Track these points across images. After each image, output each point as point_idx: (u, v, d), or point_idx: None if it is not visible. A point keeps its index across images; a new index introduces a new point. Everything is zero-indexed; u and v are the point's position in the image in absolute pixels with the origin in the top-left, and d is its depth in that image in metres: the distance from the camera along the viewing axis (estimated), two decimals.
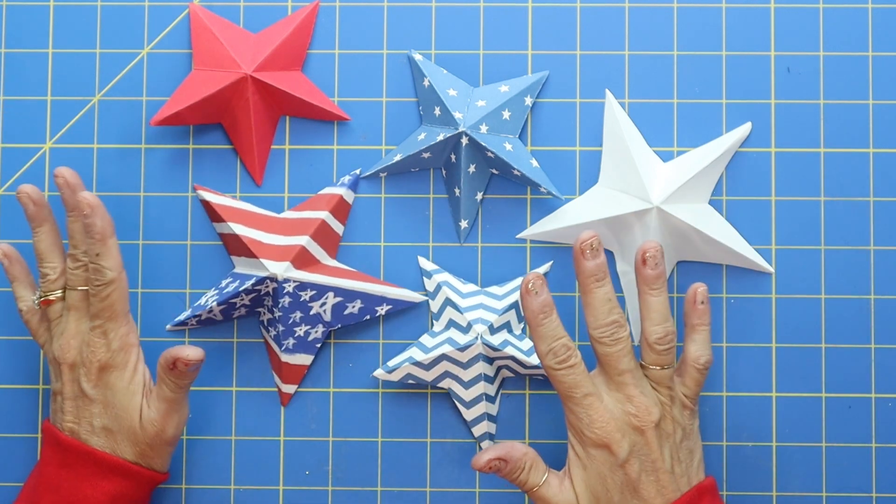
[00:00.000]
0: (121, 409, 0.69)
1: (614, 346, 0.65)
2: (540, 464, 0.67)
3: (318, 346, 0.76)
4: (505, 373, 0.76)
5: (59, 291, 0.71)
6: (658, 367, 0.66)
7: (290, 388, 0.77)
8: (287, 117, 0.78)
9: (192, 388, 0.78)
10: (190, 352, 0.67)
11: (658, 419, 0.65)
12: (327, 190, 0.77)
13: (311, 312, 0.75)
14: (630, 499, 0.65)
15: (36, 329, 0.72)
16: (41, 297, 0.71)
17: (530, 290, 0.65)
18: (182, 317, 0.76)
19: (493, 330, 0.74)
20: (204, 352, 0.68)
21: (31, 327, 0.72)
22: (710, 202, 0.77)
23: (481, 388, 0.75)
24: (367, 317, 0.76)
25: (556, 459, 0.76)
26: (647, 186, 0.74)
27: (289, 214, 0.76)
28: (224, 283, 0.76)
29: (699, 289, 0.69)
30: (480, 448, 0.76)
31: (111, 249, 0.69)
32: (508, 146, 0.75)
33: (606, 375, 0.66)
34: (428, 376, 0.75)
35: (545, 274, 0.77)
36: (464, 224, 0.77)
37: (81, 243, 0.70)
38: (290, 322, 0.74)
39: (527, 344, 0.75)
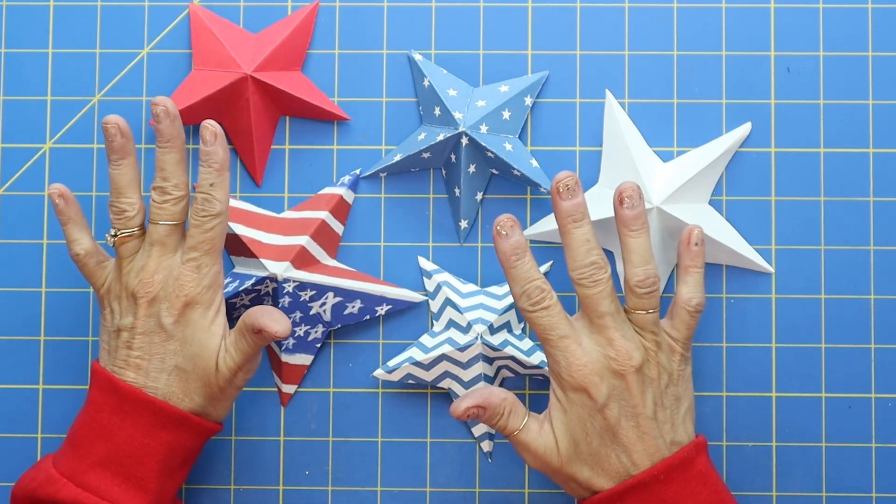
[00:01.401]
0: (199, 348, 0.66)
1: (594, 287, 0.64)
2: (519, 408, 0.66)
3: (318, 346, 0.76)
4: (505, 373, 0.76)
5: (137, 228, 0.68)
6: (642, 312, 0.65)
7: (290, 388, 0.77)
8: (287, 117, 0.78)
9: None
10: (278, 328, 0.65)
11: (640, 363, 0.64)
12: (327, 190, 0.77)
13: (311, 312, 0.75)
14: (610, 443, 0.64)
15: (93, 271, 0.69)
16: (118, 234, 0.68)
17: (500, 232, 0.64)
18: None
19: (493, 330, 0.74)
20: (290, 327, 0.66)
21: (87, 270, 0.69)
22: (710, 202, 0.77)
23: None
24: (367, 317, 0.76)
25: None
26: (647, 186, 0.74)
27: (289, 214, 0.76)
28: (224, 282, 0.76)
29: (694, 230, 0.68)
30: (480, 448, 0.76)
31: (226, 181, 0.67)
32: (508, 146, 0.75)
33: (587, 318, 0.65)
34: (428, 376, 0.75)
35: (545, 274, 0.76)
36: (464, 224, 0.77)
37: (175, 176, 0.67)
38: (290, 322, 0.74)
39: (527, 344, 0.75)
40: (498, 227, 0.64)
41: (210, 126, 0.67)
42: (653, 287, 0.65)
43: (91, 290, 0.77)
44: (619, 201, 0.65)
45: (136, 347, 0.67)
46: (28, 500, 0.65)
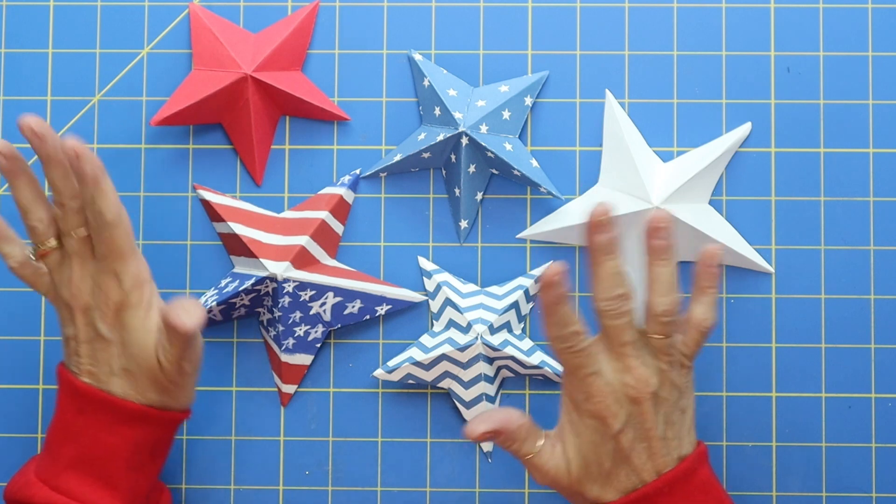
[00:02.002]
0: (138, 348, 0.66)
1: (618, 319, 0.64)
2: (534, 431, 0.66)
3: (318, 346, 0.76)
4: (505, 373, 0.76)
5: (53, 241, 0.68)
6: (661, 337, 0.65)
7: (290, 388, 0.77)
8: (287, 117, 0.78)
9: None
10: (187, 321, 0.63)
11: (656, 389, 0.64)
12: (327, 190, 0.77)
13: (311, 312, 0.75)
14: (621, 464, 0.64)
15: (34, 280, 0.69)
16: (37, 250, 0.68)
17: (551, 283, 0.64)
18: None
19: (493, 330, 0.74)
20: (201, 317, 0.64)
21: (27, 281, 0.69)
22: (710, 202, 0.77)
23: (481, 388, 0.75)
24: (367, 317, 0.76)
25: None
26: (647, 186, 0.74)
27: (289, 214, 0.76)
28: (224, 282, 0.76)
29: (714, 251, 0.67)
30: (480, 448, 0.76)
31: (106, 191, 0.66)
32: (508, 146, 0.75)
33: (607, 345, 0.65)
34: (428, 376, 0.75)
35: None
36: (464, 224, 0.76)
37: (66, 189, 0.67)
38: (290, 322, 0.74)
39: (527, 344, 0.75)
40: (548, 279, 0.63)
41: (71, 145, 0.65)
42: (675, 316, 0.65)
43: None
44: (650, 231, 0.65)
45: (83, 355, 0.67)
46: (13, 503, 0.67)
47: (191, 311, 0.64)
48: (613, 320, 0.64)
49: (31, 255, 0.69)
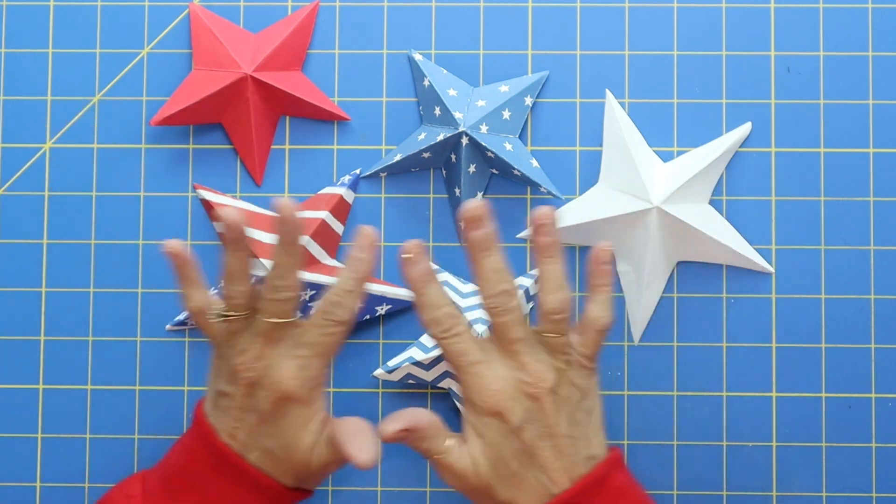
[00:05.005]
0: (292, 441, 0.65)
1: (504, 315, 0.63)
2: (443, 431, 0.65)
3: None
4: None
5: (243, 312, 0.65)
6: (554, 335, 0.64)
7: None
8: (287, 117, 0.78)
9: (191, 388, 0.78)
10: (361, 458, 0.63)
11: (553, 385, 0.63)
12: (327, 190, 0.77)
13: (311, 312, 0.75)
14: (528, 464, 0.63)
15: (206, 327, 0.67)
16: (224, 316, 0.65)
17: (407, 259, 0.63)
18: (182, 317, 0.76)
19: None
20: (376, 457, 0.63)
21: (201, 326, 0.67)
22: (710, 202, 0.77)
23: None
24: (367, 317, 0.76)
25: None
26: (647, 186, 0.74)
27: None
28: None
29: (604, 249, 0.66)
30: None
31: (362, 292, 0.65)
32: (508, 146, 0.75)
33: (499, 343, 0.64)
34: (428, 376, 0.75)
35: None
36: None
37: (286, 277, 0.64)
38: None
39: None
40: (405, 255, 0.63)
41: (369, 234, 0.65)
42: (566, 313, 0.64)
43: (90, 289, 0.77)
44: (534, 228, 0.64)
45: (234, 418, 0.65)
46: None
47: (366, 448, 0.63)
48: (500, 317, 0.63)
49: (217, 315, 0.66)
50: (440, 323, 0.63)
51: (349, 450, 0.63)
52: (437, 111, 0.75)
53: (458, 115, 0.74)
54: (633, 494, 0.65)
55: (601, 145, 0.77)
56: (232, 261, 0.65)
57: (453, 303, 0.64)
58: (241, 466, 0.64)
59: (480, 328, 0.74)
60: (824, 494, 0.76)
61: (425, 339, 0.75)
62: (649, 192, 0.74)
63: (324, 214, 0.75)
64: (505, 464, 0.63)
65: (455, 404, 0.76)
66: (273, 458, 0.65)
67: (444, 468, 0.65)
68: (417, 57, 0.77)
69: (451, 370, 0.65)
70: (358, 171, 0.78)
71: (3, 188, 0.78)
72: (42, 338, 0.77)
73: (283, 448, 0.65)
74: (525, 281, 0.76)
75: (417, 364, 0.74)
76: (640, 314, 0.76)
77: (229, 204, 0.66)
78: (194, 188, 0.77)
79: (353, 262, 0.65)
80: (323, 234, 0.75)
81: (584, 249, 0.77)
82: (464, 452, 0.64)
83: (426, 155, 0.75)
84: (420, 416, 0.65)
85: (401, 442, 0.64)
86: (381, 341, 0.77)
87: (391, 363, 0.75)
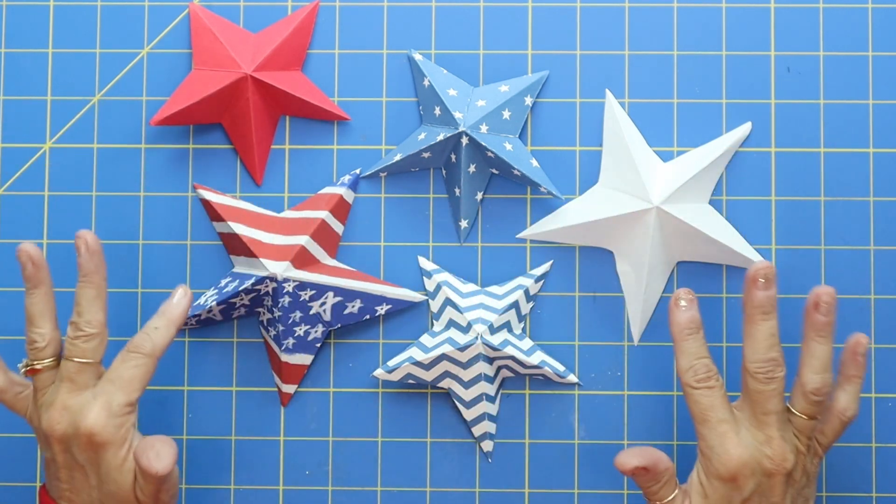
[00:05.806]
0: (115, 486, 0.65)
1: (768, 384, 0.64)
2: (674, 479, 0.66)
3: (318, 345, 0.76)
4: (505, 373, 0.76)
5: (49, 360, 0.67)
6: (805, 417, 0.65)
7: (289, 388, 0.77)
8: (287, 117, 0.78)
9: (191, 388, 0.78)
10: (156, 466, 0.63)
11: (792, 467, 0.63)
12: (327, 190, 0.77)
13: (311, 312, 0.75)
14: None
15: (13, 403, 0.68)
16: (28, 366, 0.67)
17: (679, 305, 0.64)
18: None
19: (493, 330, 0.74)
20: (172, 460, 0.64)
21: (7, 405, 0.68)
22: (710, 202, 0.77)
23: (481, 387, 0.75)
24: (367, 316, 0.76)
25: (557, 459, 0.76)
26: (647, 186, 0.74)
27: (289, 214, 0.76)
28: (223, 282, 0.76)
29: (862, 339, 0.67)
30: (480, 448, 0.76)
31: (173, 330, 0.66)
32: (508, 146, 0.75)
33: (751, 411, 0.65)
34: (428, 376, 0.75)
35: (545, 274, 0.77)
36: (464, 224, 0.76)
37: (88, 312, 0.66)
38: (290, 322, 0.74)
39: (527, 343, 0.75)
40: (678, 300, 0.64)
41: (180, 291, 0.68)
42: (825, 395, 0.64)
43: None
44: (813, 305, 0.65)
45: (63, 480, 0.66)
46: None
47: (161, 454, 0.64)
48: (763, 385, 0.64)
49: (23, 367, 0.67)
50: (697, 372, 0.64)
51: (144, 463, 0.63)
52: (437, 111, 0.75)
53: (458, 114, 0.75)
54: None
55: (601, 145, 0.77)
56: (30, 301, 0.66)
57: (711, 357, 0.64)
58: None
59: (480, 328, 0.74)
60: (825, 494, 0.76)
61: (425, 339, 0.75)
62: (649, 191, 0.74)
63: (324, 214, 0.75)
64: None
65: (455, 404, 0.76)
66: None
67: None
68: (417, 57, 0.77)
69: (695, 422, 0.65)
70: (358, 171, 0.78)
71: (3, 188, 0.78)
72: None
73: (112, 496, 0.65)
74: (525, 281, 0.76)
75: (417, 364, 0.74)
76: (640, 314, 0.76)
77: (88, 231, 0.67)
78: (194, 188, 0.77)
79: (165, 308, 0.67)
80: (323, 234, 0.75)
81: (584, 249, 0.77)
82: None
83: (426, 155, 0.75)
84: (661, 459, 0.65)
85: (633, 477, 0.65)
86: (381, 341, 0.77)
87: (391, 363, 0.74)
